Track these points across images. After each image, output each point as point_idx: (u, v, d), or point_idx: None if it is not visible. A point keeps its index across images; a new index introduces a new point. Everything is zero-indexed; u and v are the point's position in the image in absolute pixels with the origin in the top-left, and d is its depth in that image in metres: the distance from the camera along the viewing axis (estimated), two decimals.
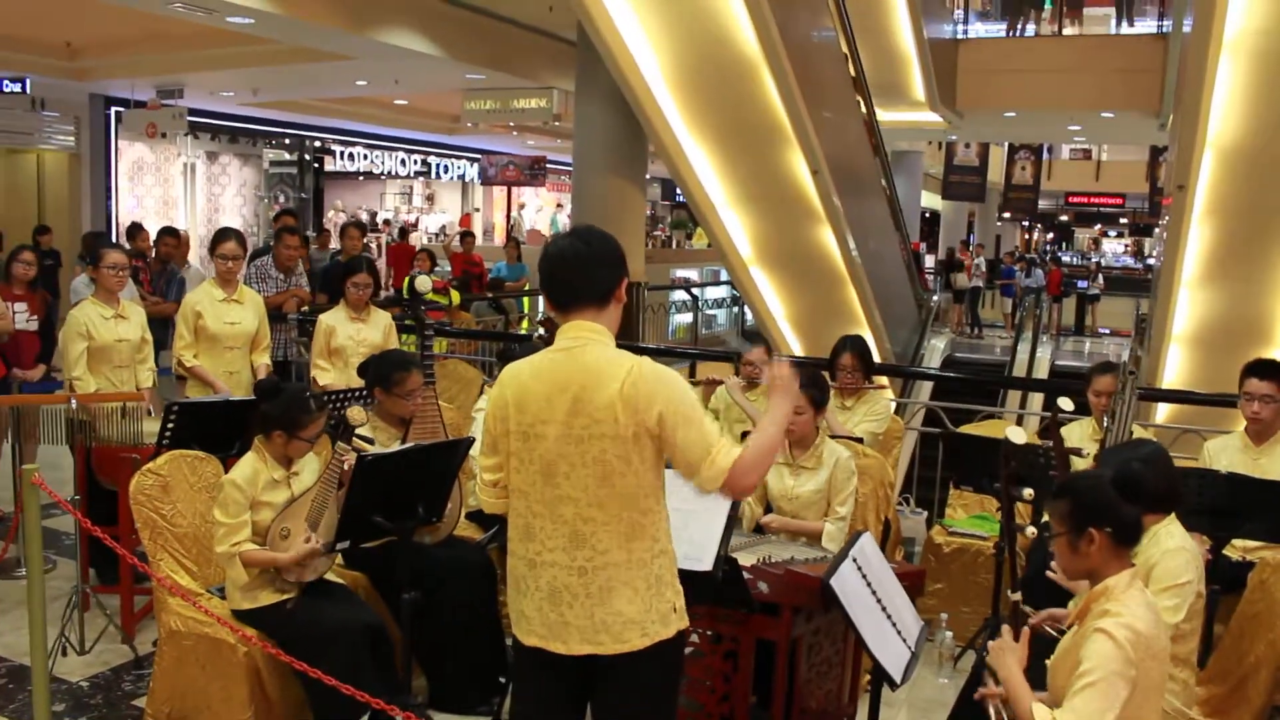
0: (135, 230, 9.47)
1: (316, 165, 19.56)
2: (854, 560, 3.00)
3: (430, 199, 24.65)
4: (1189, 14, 7.27)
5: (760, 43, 8.18)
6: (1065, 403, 4.12)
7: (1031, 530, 2.87)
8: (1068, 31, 17.51)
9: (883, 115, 12.37)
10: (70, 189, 15.20)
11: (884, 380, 5.64)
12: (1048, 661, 2.64)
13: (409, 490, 3.59)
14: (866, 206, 11.24)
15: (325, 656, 3.21)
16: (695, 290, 17.75)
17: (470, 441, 3.83)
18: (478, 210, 25.10)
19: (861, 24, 11.16)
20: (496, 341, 8.60)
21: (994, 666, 2.55)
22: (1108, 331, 21.52)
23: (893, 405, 5.61)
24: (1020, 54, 16.29)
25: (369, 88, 15.00)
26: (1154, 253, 24.66)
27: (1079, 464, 3.96)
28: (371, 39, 10.44)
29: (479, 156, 22.57)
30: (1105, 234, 43.28)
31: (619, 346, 2.42)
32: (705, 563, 2.92)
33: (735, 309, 18.54)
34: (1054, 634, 2.87)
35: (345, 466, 3.51)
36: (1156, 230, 20.52)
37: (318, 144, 19.46)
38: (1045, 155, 27.26)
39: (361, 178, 21.74)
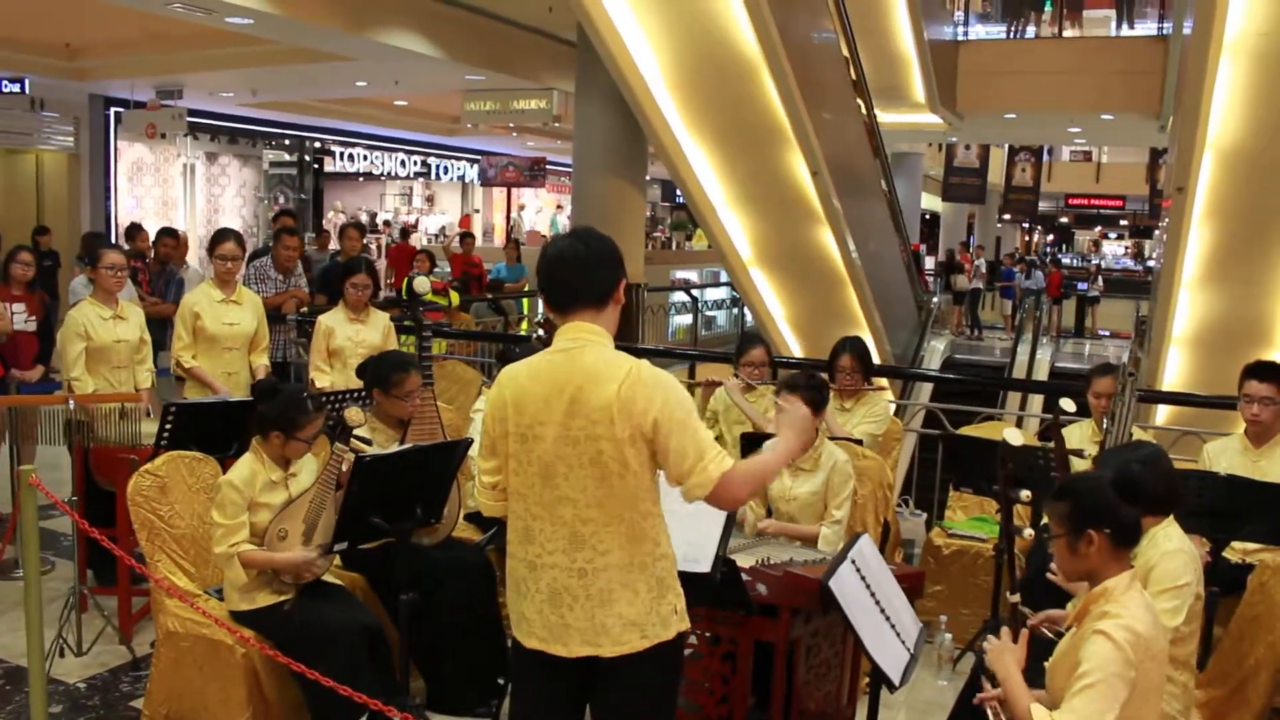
0: (134, 231, 9.46)
1: (316, 166, 19.56)
2: (853, 562, 2.99)
3: (430, 200, 24.65)
4: (1189, 16, 7.27)
5: (760, 43, 8.17)
6: (1067, 404, 4.12)
7: (1029, 532, 2.86)
8: (1068, 33, 17.50)
9: (883, 117, 12.36)
10: (69, 189, 15.20)
11: (883, 382, 5.64)
12: (1046, 663, 2.64)
13: (407, 491, 3.58)
14: (866, 208, 11.24)
15: (323, 658, 3.20)
16: (695, 291, 17.75)
17: (468, 443, 3.83)
18: (477, 211, 25.10)
19: (861, 25, 11.16)
20: (495, 342, 8.60)
21: (992, 667, 2.54)
22: (1108, 333, 21.53)
23: (892, 407, 5.60)
24: (1020, 56, 16.29)
25: (368, 88, 15.00)
26: (1154, 255, 24.65)
27: (1079, 465, 3.95)
28: (371, 40, 10.44)
29: (479, 157, 22.58)
30: (1105, 236, 43.29)
31: (618, 348, 2.41)
32: (704, 564, 2.91)
33: (735, 310, 18.54)
34: (1051, 636, 2.86)
35: (343, 468, 3.50)
36: (1156, 232, 20.52)
37: (317, 145, 19.46)
38: (1045, 157, 27.25)
39: (361, 179, 21.74)
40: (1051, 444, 4.08)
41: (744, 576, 3.03)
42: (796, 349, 11.78)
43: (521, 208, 26.27)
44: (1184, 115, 7.15)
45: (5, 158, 15.19)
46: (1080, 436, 4.68)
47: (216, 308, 5.36)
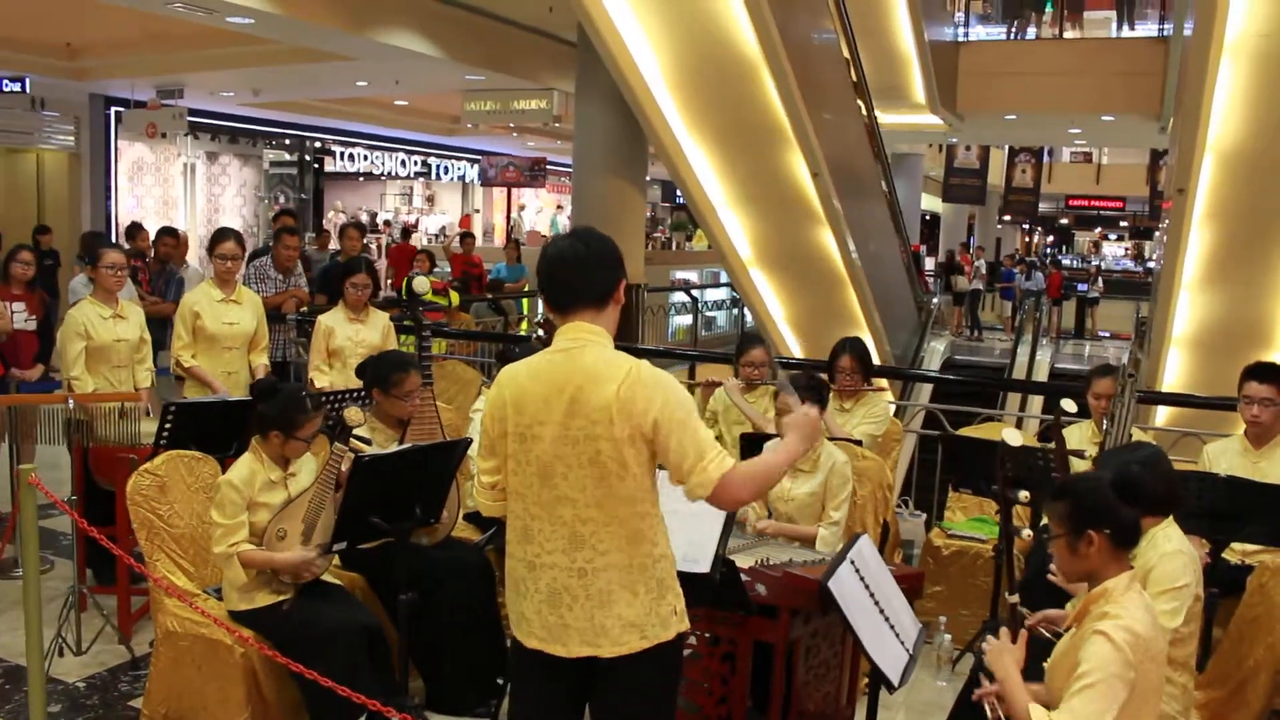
0: (135, 230, 9.46)
1: (316, 166, 19.56)
2: (852, 563, 2.99)
3: (430, 200, 24.65)
4: (1190, 17, 7.27)
5: (760, 43, 8.17)
6: (1069, 404, 4.12)
7: (1028, 533, 2.86)
8: (1068, 34, 17.51)
9: (883, 118, 12.37)
10: (70, 189, 15.20)
11: (883, 382, 5.64)
12: (1045, 663, 2.64)
13: (406, 491, 3.58)
14: (866, 208, 11.24)
15: (322, 657, 3.20)
16: (695, 292, 17.76)
17: (468, 442, 3.83)
18: (477, 211, 25.10)
19: (862, 26, 11.16)
20: (495, 343, 8.60)
21: (991, 667, 2.54)
22: (1108, 334, 21.54)
23: (891, 408, 5.60)
24: (1021, 57, 16.30)
25: (369, 88, 15.01)
26: (1154, 256, 24.65)
27: (1079, 466, 3.95)
28: (371, 39, 10.44)
29: (479, 158, 22.58)
30: (1105, 237, 43.26)
31: (618, 348, 2.41)
32: (703, 565, 2.91)
33: (735, 311, 18.54)
34: (1048, 636, 2.86)
35: (343, 467, 3.50)
36: (1157, 233, 20.52)
37: (318, 145, 19.46)
38: (1046, 158, 27.24)
39: (361, 178, 21.73)
40: (1051, 445, 4.08)
41: (743, 577, 3.03)
42: (796, 349, 11.78)
43: (522, 208, 26.28)
44: (1184, 116, 7.15)
45: (6, 157, 15.19)
46: (1080, 437, 4.68)
47: (216, 307, 5.36)
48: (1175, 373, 8.75)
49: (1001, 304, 22.39)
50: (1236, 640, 3.49)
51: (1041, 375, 15.35)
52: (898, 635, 3.01)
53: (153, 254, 8.48)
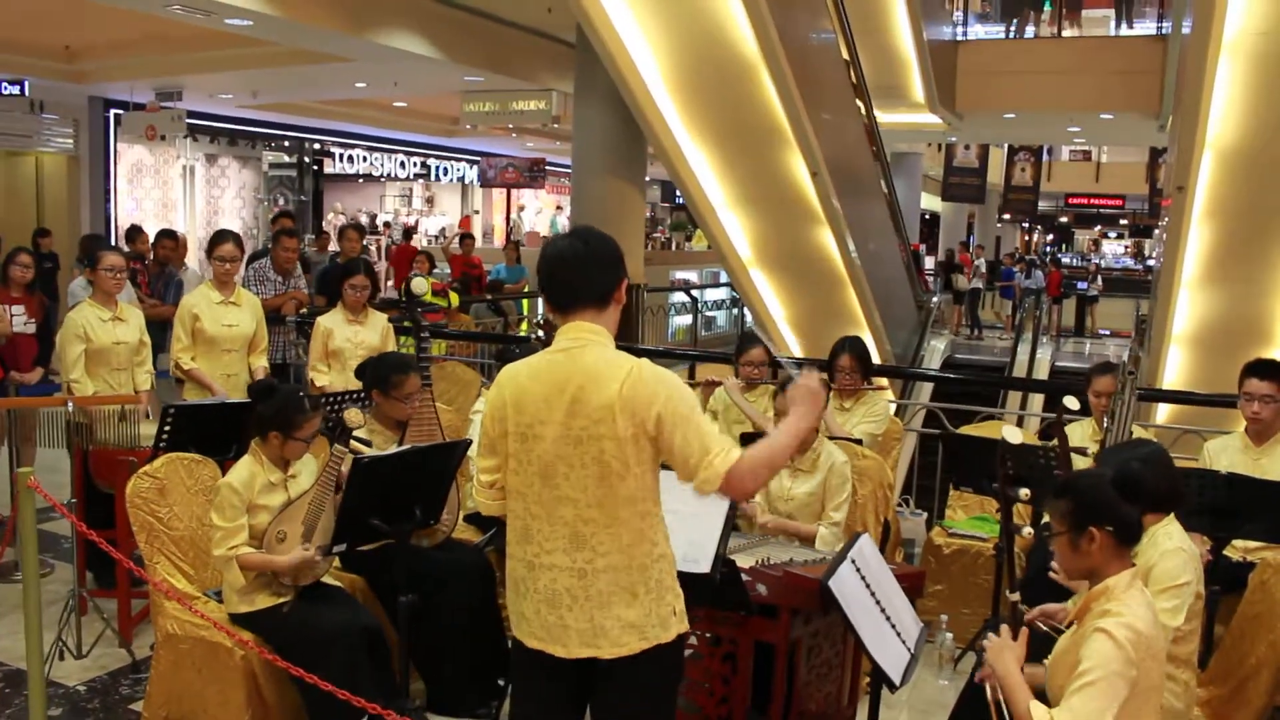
0: (134, 233, 9.46)
1: (316, 168, 19.55)
2: (853, 562, 2.99)
3: (430, 201, 24.64)
4: (1188, 15, 7.27)
5: (759, 44, 8.17)
6: (1071, 402, 4.11)
7: (1029, 530, 2.86)
8: (1067, 33, 17.49)
9: (882, 117, 12.37)
10: (69, 191, 15.18)
11: (883, 381, 5.63)
12: (1046, 661, 2.63)
13: (406, 493, 3.58)
14: (866, 208, 11.24)
15: (323, 660, 3.20)
16: (695, 292, 17.75)
17: (467, 444, 3.82)
18: (477, 212, 25.09)
19: (861, 26, 11.16)
20: (494, 343, 8.59)
21: (992, 665, 2.54)
22: (1108, 333, 21.54)
23: (892, 406, 5.60)
24: (1020, 55, 16.30)
25: (368, 90, 15.00)
26: (1154, 254, 24.66)
27: (1081, 463, 3.95)
28: (370, 41, 10.44)
29: (478, 159, 22.58)
30: (1105, 235, 43.27)
31: (618, 348, 2.41)
32: (703, 565, 2.91)
33: (735, 310, 18.54)
34: (1046, 630, 2.86)
35: (342, 469, 3.50)
36: (1156, 231, 20.51)
37: (317, 146, 19.45)
38: (1045, 157, 27.24)
39: (361, 180, 21.72)
40: (1052, 442, 4.08)
41: (744, 577, 3.02)
42: (797, 349, 11.78)
43: (521, 209, 26.27)
44: (1183, 114, 7.14)
45: (5, 160, 15.18)
46: (1080, 435, 4.67)
47: (215, 309, 5.35)
48: (1175, 370, 8.74)
49: (1001, 302, 22.39)
50: (1238, 637, 3.49)
51: (1042, 374, 15.36)
52: (899, 634, 3.01)
53: (152, 256, 8.48)
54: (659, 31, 8.52)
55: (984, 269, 20.89)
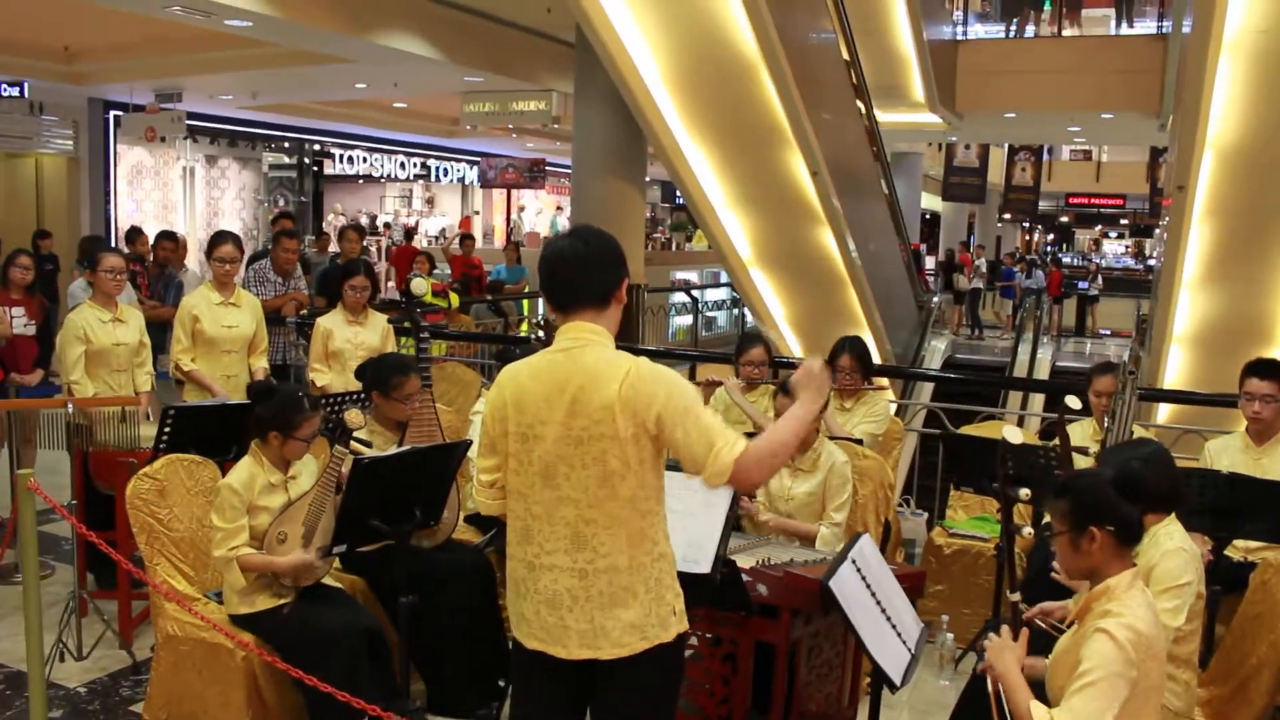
0: (134, 234, 9.47)
1: (316, 169, 19.55)
2: (853, 562, 2.99)
3: (430, 202, 24.64)
4: (1188, 14, 7.26)
5: (759, 43, 8.17)
6: (1073, 401, 4.11)
7: (1029, 531, 2.85)
8: (1067, 32, 17.49)
9: (882, 117, 12.37)
10: (69, 193, 15.18)
11: (884, 381, 5.63)
12: (1046, 660, 2.63)
13: (405, 494, 3.58)
14: (866, 208, 11.23)
15: (323, 661, 3.20)
16: (695, 292, 17.75)
17: (467, 444, 3.82)
18: (477, 213, 25.08)
19: (861, 25, 11.15)
20: (495, 344, 8.59)
21: (992, 664, 2.54)
22: (1108, 332, 21.53)
23: (892, 407, 5.60)
24: (1020, 55, 16.29)
25: (368, 91, 14.99)
26: (1154, 253, 24.64)
27: (1083, 463, 3.94)
28: (370, 42, 10.43)
29: (478, 159, 22.57)
30: (1106, 235, 43.26)
31: (619, 348, 2.40)
32: (704, 565, 2.90)
33: (735, 311, 18.54)
34: (1044, 627, 2.86)
35: (343, 470, 3.49)
36: (1157, 231, 20.52)
37: (317, 147, 19.45)
38: (1045, 156, 27.24)
39: (361, 181, 21.72)
40: (1053, 441, 4.08)
41: (744, 577, 3.02)
42: (797, 349, 11.77)
43: (521, 209, 26.27)
44: (1184, 113, 7.14)
45: (5, 161, 15.18)
46: (1081, 435, 4.67)
47: (215, 310, 5.35)
48: (1176, 370, 8.74)
49: (1002, 302, 22.39)
50: (1239, 637, 3.48)
51: (1042, 373, 15.35)
52: (900, 635, 3.00)
53: (152, 258, 8.48)
54: (659, 31, 8.52)
55: (984, 269, 20.88)
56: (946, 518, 5.25)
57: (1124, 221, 40.26)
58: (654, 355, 5.65)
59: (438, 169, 22.96)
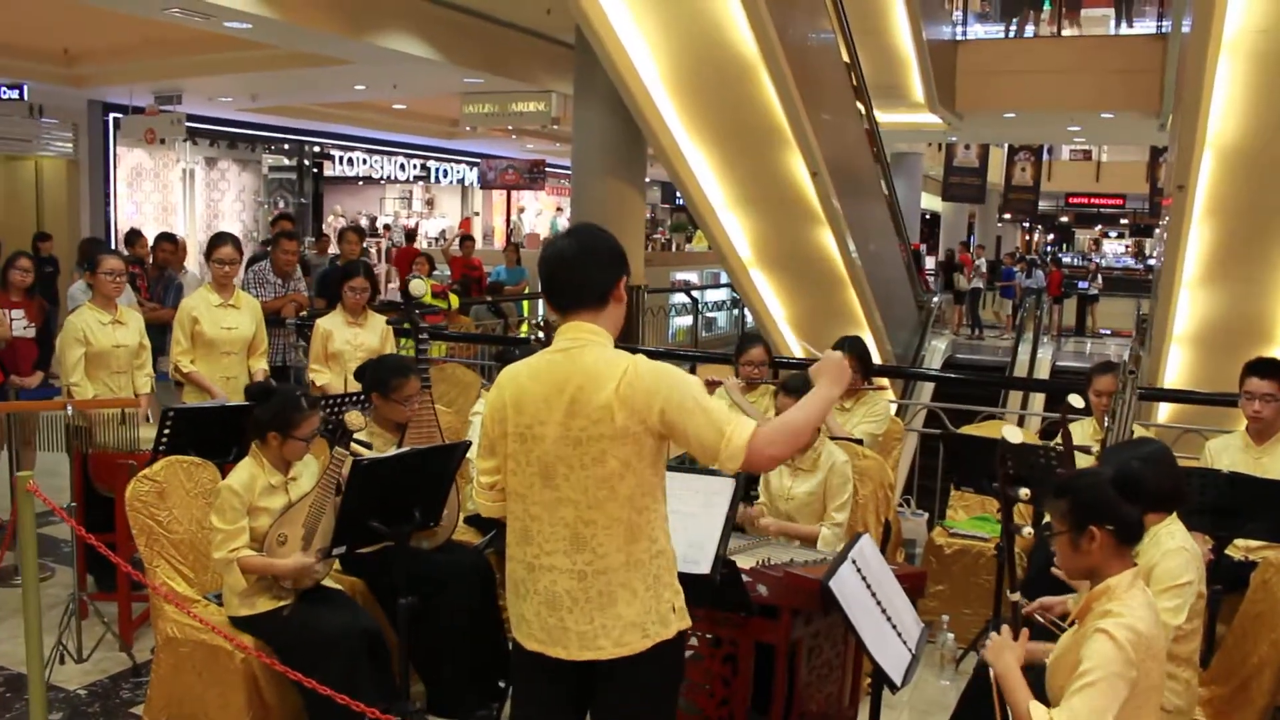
0: (133, 237, 9.47)
1: (315, 170, 19.56)
2: (853, 562, 2.98)
3: (430, 203, 24.65)
4: (1188, 14, 7.26)
5: (758, 44, 8.17)
6: (1076, 400, 4.11)
7: (1029, 530, 2.85)
8: (1066, 32, 17.49)
9: (882, 117, 12.37)
10: (69, 195, 15.19)
11: (884, 381, 5.63)
12: (1046, 660, 2.63)
13: (405, 495, 3.57)
14: (866, 208, 11.23)
15: (323, 663, 3.20)
16: (695, 293, 17.75)
17: (466, 445, 3.82)
18: (477, 214, 25.09)
19: (861, 26, 11.15)
20: (494, 345, 8.59)
21: (991, 664, 2.53)
22: (1109, 332, 21.53)
23: (892, 407, 5.60)
24: (1019, 55, 16.29)
25: (367, 92, 14.99)
26: (1154, 253, 24.65)
27: (1084, 462, 3.94)
28: (369, 43, 10.43)
29: (478, 160, 22.58)
30: (1106, 235, 43.24)
31: (618, 348, 2.40)
32: (703, 565, 2.90)
33: (735, 311, 18.54)
34: (1045, 623, 2.86)
35: (343, 471, 3.49)
36: (1157, 231, 20.51)
37: (316, 149, 19.46)
38: (1045, 156, 27.23)
39: (361, 183, 21.72)
40: (1053, 441, 4.07)
41: (744, 577, 3.01)
42: (797, 350, 11.77)
43: (521, 210, 26.27)
44: (1184, 113, 7.13)
45: (4, 164, 15.18)
46: (1081, 434, 4.67)
47: (214, 312, 5.35)
48: (1176, 369, 8.74)
49: (1002, 302, 22.38)
50: (1240, 636, 3.48)
51: (1043, 373, 15.35)
52: (900, 635, 3.00)
53: (151, 260, 8.48)
54: (658, 32, 8.52)
55: (984, 269, 20.88)
56: (947, 518, 5.25)
57: (1124, 221, 40.25)
58: (654, 356, 5.64)
59: (437, 170, 22.97)
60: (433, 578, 3.73)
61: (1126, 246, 41.75)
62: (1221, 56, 6.46)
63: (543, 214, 26.82)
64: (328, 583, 3.62)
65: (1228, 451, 4.29)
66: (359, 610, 3.59)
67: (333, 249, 12.63)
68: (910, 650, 3.01)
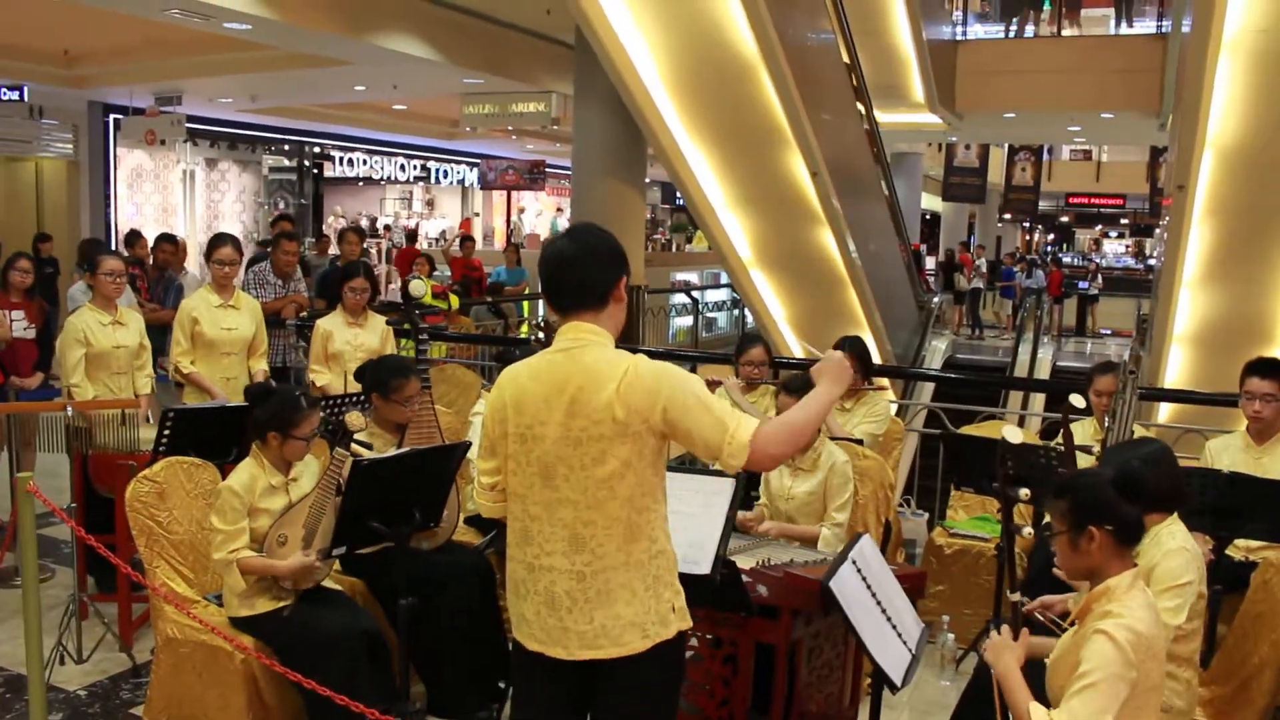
0: (133, 237, 9.47)
1: (316, 171, 19.56)
2: (853, 562, 2.98)
3: (430, 204, 24.65)
4: (1188, 14, 7.26)
5: (758, 44, 8.17)
6: (1077, 400, 4.11)
7: (1029, 530, 2.85)
8: (1066, 32, 17.50)
9: (882, 117, 12.37)
10: (69, 196, 15.19)
11: (884, 381, 5.63)
12: (1046, 660, 2.62)
13: (405, 495, 3.57)
14: (866, 208, 11.23)
15: (323, 663, 3.20)
16: (695, 293, 17.75)
17: (466, 446, 3.82)
18: (477, 215, 25.09)
19: (861, 26, 11.15)
20: (494, 346, 8.59)
21: (991, 664, 2.53)
22: (1109, 332, 21.53)
23: (893, 407, 5.59)
24: (1019, 55, 16.29)
25: (367, 93, 14.99)
26: (1155, 253, 24.65)
27: (1085, 462, 3.94)
28: (369, 44, 10.43)
29: (478, 161, 22.58)
30: (1106, 235, 43.24)
31: (619, 348, 2.40)
32: (703, 566, 2.90)
33: (735, 311, 18.54)
34: (1043, 620, 2.86)
35: (344, 472, 3.49)
36: (1157, 231, 20.51)
37: (317, 150, 19.46)
38: (1045, 156, 27.23)
39: (361, 183, 21.73)
40: (1053, 442, 4.07)
41: (744, 578, 3.01)
42: (797, 350, 11.77)
43: (521, 211, 26.28)
44: (1184, 113, 7.13)
45: (5, 165, 15.18)
46: (1082, 434, 4.65)
47: (214, 313, 5.35)
48: (1177, 369, 8.74)
49: (1002, 302, 22.38)
50: (1241, 637, 3.48)
51: (1043, 373, 15.35)
52: (900, 635, 3.00)
53: (151, 261, 8.48)
54: (658, 33, 8.52)
55: (985, 269, 20.89)
56: (947, 518, 5.25)
57: (1124, 221, 40.24)
58: (654, 356, 5.65)
59: (437, 171, 22.97)
60: (433, 578, 3.73)
61: (1127, 246, 41.75)
62: (1221, 56, 6.46)
63: (543, 214, 26.82)
64: (328, 583, 3.62)
65: (1228, 451, 4.29)
66: (359, 611, 3.58)
67: (333, 250, 12.62)
68: (910, 650, 3.01)
